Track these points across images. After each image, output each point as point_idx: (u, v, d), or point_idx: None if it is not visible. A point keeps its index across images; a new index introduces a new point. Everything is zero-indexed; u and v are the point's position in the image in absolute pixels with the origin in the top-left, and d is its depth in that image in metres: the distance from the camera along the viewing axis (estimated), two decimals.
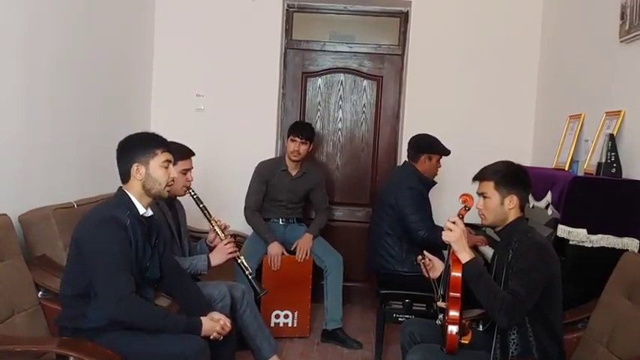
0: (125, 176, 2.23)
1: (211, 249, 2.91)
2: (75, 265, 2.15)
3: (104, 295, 2.06)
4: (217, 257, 2.83)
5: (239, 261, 2.89)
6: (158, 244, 2.33)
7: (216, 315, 2.29)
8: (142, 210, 2.22)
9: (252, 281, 2.92)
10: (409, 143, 3.53)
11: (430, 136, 3.48)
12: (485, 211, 2.21)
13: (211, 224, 2.88)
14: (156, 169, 2.20)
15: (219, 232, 2.86)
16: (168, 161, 2.24)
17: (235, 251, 2.86)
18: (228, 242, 2.84)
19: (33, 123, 2.72)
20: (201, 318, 2.23)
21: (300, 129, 3.71)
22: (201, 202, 2.88)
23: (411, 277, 3.21)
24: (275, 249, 3.54)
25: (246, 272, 2.90)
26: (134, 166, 2.19)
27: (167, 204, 2.85)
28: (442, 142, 3.48)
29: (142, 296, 2.17)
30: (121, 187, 2.25)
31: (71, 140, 3.05)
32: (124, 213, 2.15)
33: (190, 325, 2.18)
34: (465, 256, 2.11)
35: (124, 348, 2.04)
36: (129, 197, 2.20)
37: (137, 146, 2.22)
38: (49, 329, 2.33)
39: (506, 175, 2.20)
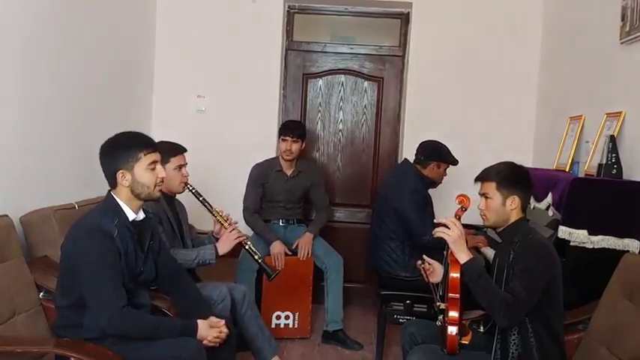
0: (112, 182, 2.13)
1: (218, 240, 2.90)
2: (66, 276, 2.09)
3: (95, 311, 2.02)
4: (224, 245, 2.83)
5: (247, 246, 2.89)
6: (153, 244, 2.27)
7: (214, 320, 2.24)
8: (131, 215, 2.13)
9: (263, 264, 2.93)
10: (419, 147, 3.46)
11: (442, 144, 3.43)
12: (487, 211, 2.22)
13: (214, 215, 2.88)
14: (142, 174, 2.10)
15: (223, 222, 2.86)
16: (155, 162, 2.13)
17: (241, 236, 2.86)
18: (233, 229, 2.85)
19: (33, 124, 2.73)
20: (198, 321, 2.18)
21: (290, 128, 3.70)
22: (201, 195, 2.87)
23: (413, 282, 3.16)
24: (278, 247, 3.53)
25: (255, 256, 2.91)
26: (119, 174, 2.09)
27: (166, 202, 2.84)
28: (443, 144, 3.44)
29: (137, 300, 2.14)
30: (109, 190, 2.15)
31: (72, 141, 3.06)
32: (111, 222, 2.06)
33: (185, 329, 2.14)
34: (464, 256, 2.11)
35: (121, 354, 2.01)
36: (117, 203, 2.11)
37: (119, 152, 2.11)
38: (50, 330, 2.32)
39: (508, 176, 2.20)
